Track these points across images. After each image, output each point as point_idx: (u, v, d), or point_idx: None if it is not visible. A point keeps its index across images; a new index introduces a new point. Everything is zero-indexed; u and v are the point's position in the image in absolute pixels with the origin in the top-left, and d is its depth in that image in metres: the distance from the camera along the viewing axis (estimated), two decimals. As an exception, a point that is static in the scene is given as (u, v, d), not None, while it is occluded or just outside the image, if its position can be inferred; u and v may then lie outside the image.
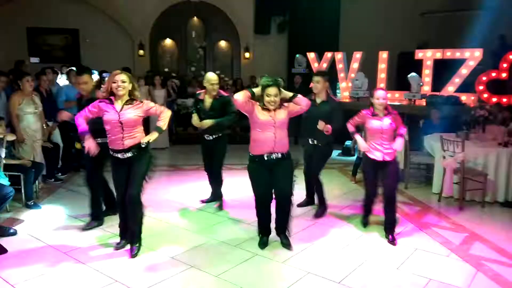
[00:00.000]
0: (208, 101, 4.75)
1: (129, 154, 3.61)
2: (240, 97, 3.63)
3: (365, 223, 4.54)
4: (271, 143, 3.68)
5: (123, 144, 3.58)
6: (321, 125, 4.41)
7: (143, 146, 3.64)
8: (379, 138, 4.12)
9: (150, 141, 3.67)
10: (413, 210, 5.13)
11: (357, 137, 4.33)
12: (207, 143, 4.91)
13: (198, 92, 4.97)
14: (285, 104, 3.76)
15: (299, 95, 3.78)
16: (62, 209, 5.01)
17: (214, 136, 4.84)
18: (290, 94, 3.75)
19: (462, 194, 5.22)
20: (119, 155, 3.62)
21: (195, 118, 4.80)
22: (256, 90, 3.70)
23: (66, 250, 3.87)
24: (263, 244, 3.96)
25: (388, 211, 4.17)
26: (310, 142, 4.70)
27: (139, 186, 3.67)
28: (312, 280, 3.40)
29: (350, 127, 4.41)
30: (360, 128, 4.53)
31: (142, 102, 3.66)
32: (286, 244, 3.97)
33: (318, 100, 4.63)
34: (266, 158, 3.72)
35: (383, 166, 4.15)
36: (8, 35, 10.41)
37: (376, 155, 4.15)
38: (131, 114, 3.57)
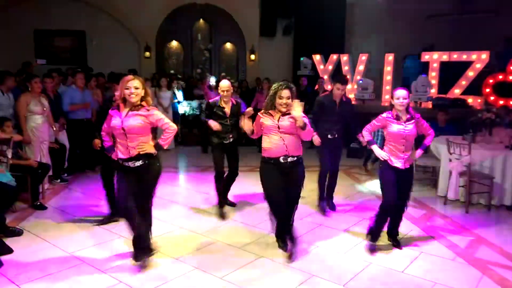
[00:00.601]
0: (227, 107, 4.85)
1: (139, 163, 3.50)
2: (250, 132, 3.79)
3: (374, 248, 3.98)
4: (282, 146, 3.63)
5: (129, 152, 3.46)
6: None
7: (154, 155, 3.55)
8: (400, 144, 3.84)
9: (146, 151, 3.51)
10: (419, 213, 5.10)
11: (374, 147, 4.01)
12: (225, 146, 4.91)
13: (212, 100, 4.98)
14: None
15: (309, 127, 3.60)
16: (68, 210, 5.03)
17: (232, 139, 4.90)
18: (302, 123, 3.51)
19: (468, 197, 5.19)
20: (130, 164, 3.49)
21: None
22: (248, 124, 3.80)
23: (71, 251, 3.89)
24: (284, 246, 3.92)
25: (397, 217, 4.08)
26: (330, 136, 4.93)
27: (151, 198, 3.65)
28: (317, 283, 3.39)
29: (367, 135, 4.11)
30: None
31: (149, 110, 3.49)
32: (282, 246, 3.96)
33: (337, 100, 4.92)
34: (282, 161, 3.65)
35: (402, 173, 3.90)
36: (15, 37, 10.50)
37: (397, 163, 3.87)
38: (134, 121, 3.42)
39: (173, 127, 3.60)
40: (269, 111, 3.68)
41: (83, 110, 6.54)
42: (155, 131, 3.72)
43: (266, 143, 3.70)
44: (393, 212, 4.04)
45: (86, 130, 6.22)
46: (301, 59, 11.05)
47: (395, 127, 3.85)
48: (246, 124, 3.82)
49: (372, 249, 3.98)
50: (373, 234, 4.04)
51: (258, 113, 3.74)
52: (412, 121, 3.87)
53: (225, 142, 4.90)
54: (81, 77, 6.67)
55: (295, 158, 3.69)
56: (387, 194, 3.91)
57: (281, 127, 3.62)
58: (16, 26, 10.55)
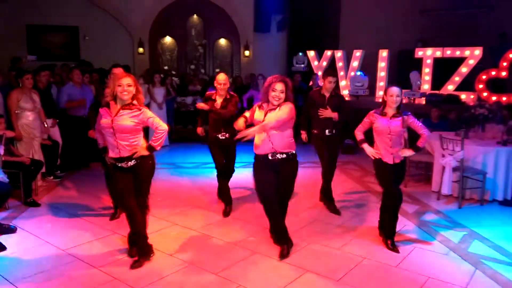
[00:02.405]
0: (219, 100, 4.79)
1: (132, 163, 3.47)
2: (239, 126, 3.63)
3: (395, 246, 3.96)
4: (268, 143, 3.61)
5: (119, 152, 3.42)
6: (326, 113, 4.80)
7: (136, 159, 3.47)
8: (387, 140, 3.88)
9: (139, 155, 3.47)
10: (412, 208, 5.12)
11: (365, 146, 4.04)
12: (221, 142, 4.85)
13: (209, 94, 4.93)
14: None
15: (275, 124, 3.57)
16: (61, 207, 5.00)
17: (228, 134, 4.81)
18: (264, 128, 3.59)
19: (461, 193, 5.22)
20: (123, 164, 3.47)
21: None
22: (248, 114, 3.74)
23: (65, 248, 3.87)
24: (283, 256, 3.74)
25: (391, 214, 4.04)
26: (328, 133, 4.91)
27: (147, 194, 3.64)
28: (311, 278, 3.41)
29: (359, 134, 4.11)
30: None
31: (140, 110, 3.43)
32: (277, 242, 3.93)
33: (327, 95, 4.89)
34: (270, 158, 3.65)
35: (392, 168, 3.94)
36: (7, 32, 10.38)
37: (386, 159, 3.93)
38: (126, 121, 3.37)
39: (164, 126, 3.52)
40: (263, 104, 3.69)
41: (82, 107, 6.46)
42: (146, 130, 3.69)
43: (256, 139, 3.69)
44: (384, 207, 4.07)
45: (83, 127, 6.17)
46: (299, 54, 10.95)
47: (380, 122, 3.91)
48: (238, 123, 3.68)
49: (392, 248, 3.94)
50: (389, 231, 4.04)
51: (254, 106, 3.78)
52: (399, 118, 3.86)
53: (220, 138, 4.86)
54: (77, 73, 6.60)
55: (284, 155, 3.65)
56: (385, 185, 4.00)
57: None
58: (8, 21, 10.43)
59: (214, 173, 5.21)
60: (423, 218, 4.82)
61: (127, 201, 3.52)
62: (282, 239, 3.85)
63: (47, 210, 4.91)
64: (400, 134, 3.95)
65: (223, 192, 4.96)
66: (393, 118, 3.88)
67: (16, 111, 5.38)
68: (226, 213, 4.83)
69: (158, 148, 3.52)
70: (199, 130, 5.12)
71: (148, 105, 8.50)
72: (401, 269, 3.58)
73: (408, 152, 3.97)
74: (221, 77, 4.78)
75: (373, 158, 4.00)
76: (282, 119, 3.54)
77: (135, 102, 3.44)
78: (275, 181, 3.69)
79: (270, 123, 3.52)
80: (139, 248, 3.61)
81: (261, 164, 3.70)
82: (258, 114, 3.69)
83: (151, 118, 3.49)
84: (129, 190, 3.51)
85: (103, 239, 4.08)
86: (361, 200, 5.42)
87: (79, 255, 3.72)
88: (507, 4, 9.45)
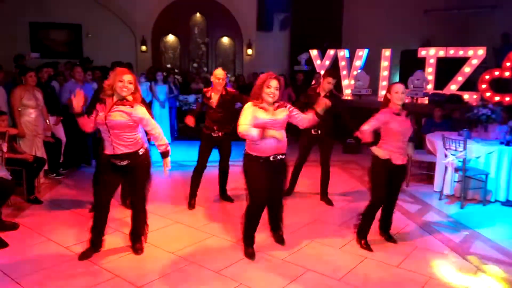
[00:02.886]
0: (215, 97, 4.70)
1: (125, 163, 3.45)
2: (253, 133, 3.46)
3: (368, 245, 3.91)
4: (272, 144, 3.49)
5: (114, 149, 3.40)
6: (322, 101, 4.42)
7: (140, 153, 3.48)
8: (399, 141, 3.75)
9: (168, 167, 3.60)
10: (414, 208, 5.12)
11: (374, 148, 3.79)
12: (214, 139, 4.81)
13: (204, 90, 4.86)
14: (288, 107, 3.59)
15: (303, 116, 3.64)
16: (63, 204, 5.02)
17: (222, 132, 4.78)
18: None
19: (463, 193, 5.22)
20: (117, 162, 3.45)
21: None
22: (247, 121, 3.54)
23: (67, 245, 3.88)
24: (252, 255, 3.69)
25: (390, 212, 4.08)
26: (313, 132, 4.90)
27: (143, 193, 3.62)
28: (312, 277, 3.41)
29: (368, 136, 3.78)
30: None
31: (133, 106, 3.36)
32: (280, 240, 3.99)
33: (322, 93, 4.86)
34: (272, 159, 3.56)
35: (399, 169, 3.84)
36: (10, 29, 10.41)
37: (398, 160, 3.79)
38: (117, 117, 3.32)
39: (157, 127, 3.49)
40: (262, 104, 3.49)
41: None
42: None
43: (256, 141, 3.47)
44: (385, 207, 4.04)
45: None
46: (311, 52, 10.92)
47: (396, 123, 3.73)
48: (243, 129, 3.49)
49: (365, 247, 3.92)
50: (361, 232, 3.99)
51: (248, 105, 3.54)
52: (409, 116, 3.80)
53: (213, 135, 4.82)
54: (79, 71, 6.61)
55: (284, 156, 3.63)
56: (377, 194, 3.85)
57: (277, 121, 3.50)
58: (11, 19, 10.46)
59: (216, 171, 5.23)
60: (424, 218, 4.82)
61: (101, 198, 3.54)
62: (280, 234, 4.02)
63: (49, 207, 4.93)
64: (410, 133, 3.86)
65: (193, 186, 4.99)
66: (406, 118, 3.77)
67: (19, 108, 5.39)
68: (191, 205, 4.94)
69: (167, 148, 3.57)
70: (189, 119, 4.82)
71: (150, 103, 8.52)
72: (402, 269, 3.58)
73: (411, 147, 3.95)
74: (220, 71, 4.70)
75: (384, 158, 3.77)
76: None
77: (129, 97, 3.38)
78: (270, 184, 3.61)
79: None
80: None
81: (260, 166, 3.56)
82: (262, 114, 3.47)
83: (143, 117, 3.42)
84: (109, 191, 3.56)
85: (105, 236, 4.07)
86: (362, 200, 5.38)
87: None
88: (511, 4, 9.42)
